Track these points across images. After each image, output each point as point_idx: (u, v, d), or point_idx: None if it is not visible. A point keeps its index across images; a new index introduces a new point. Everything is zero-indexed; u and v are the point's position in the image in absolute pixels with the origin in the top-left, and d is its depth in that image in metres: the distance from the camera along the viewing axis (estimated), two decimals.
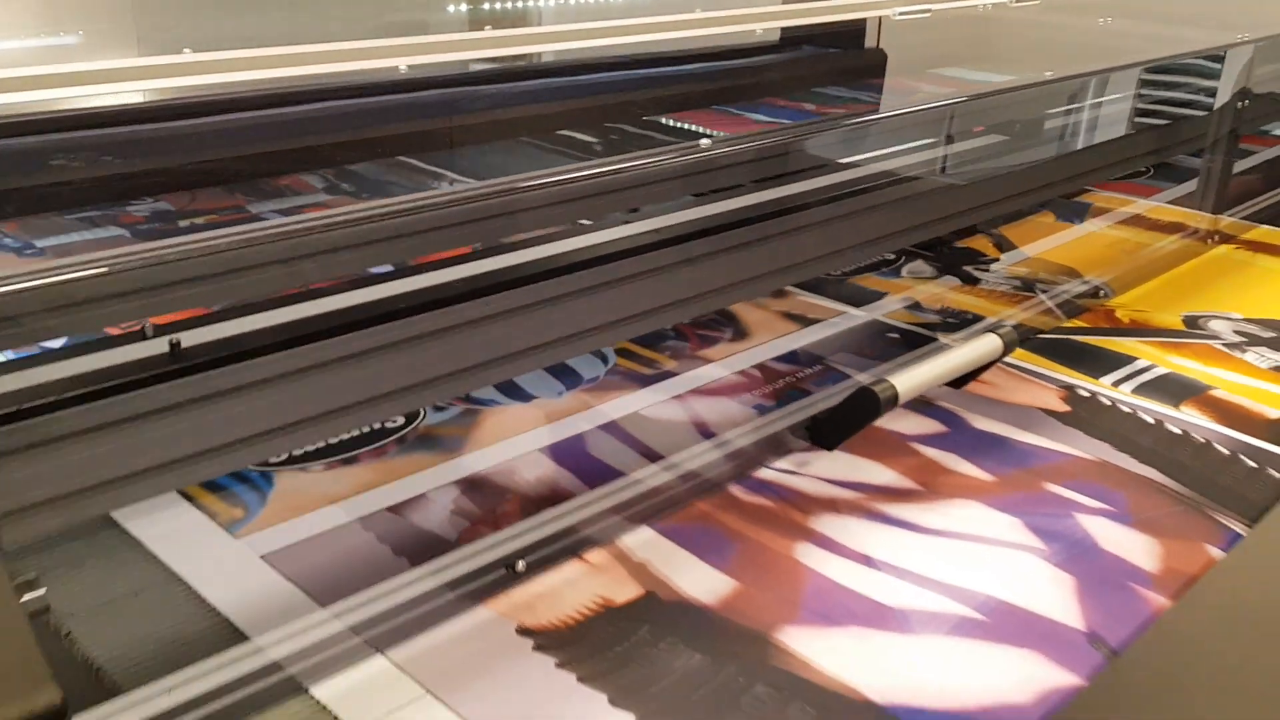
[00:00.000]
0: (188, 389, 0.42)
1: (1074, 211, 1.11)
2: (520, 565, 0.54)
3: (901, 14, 0.79)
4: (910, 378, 0.65)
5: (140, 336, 0.42)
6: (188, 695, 0.45)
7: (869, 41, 1.18)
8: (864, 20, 1.01)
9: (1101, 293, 0.90)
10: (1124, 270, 0.93)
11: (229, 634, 0.49)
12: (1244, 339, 0.88)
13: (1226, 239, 1.03)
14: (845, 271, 0.95)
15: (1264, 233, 1.09)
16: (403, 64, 0.60)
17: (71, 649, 0.47)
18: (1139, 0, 1.13)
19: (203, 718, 0.44)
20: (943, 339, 0.80)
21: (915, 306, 0.89)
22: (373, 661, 0.49)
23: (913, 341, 0.83)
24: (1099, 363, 0.82)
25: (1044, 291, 0.87)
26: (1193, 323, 0.90)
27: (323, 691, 0.47)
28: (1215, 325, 0.90)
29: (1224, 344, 0.86)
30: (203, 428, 0.43)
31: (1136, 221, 1.06)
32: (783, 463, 0.66)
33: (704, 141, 0.62)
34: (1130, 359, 0.83)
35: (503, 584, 0.54)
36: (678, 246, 0.60)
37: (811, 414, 0.68)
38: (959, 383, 0.74)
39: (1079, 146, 0.88)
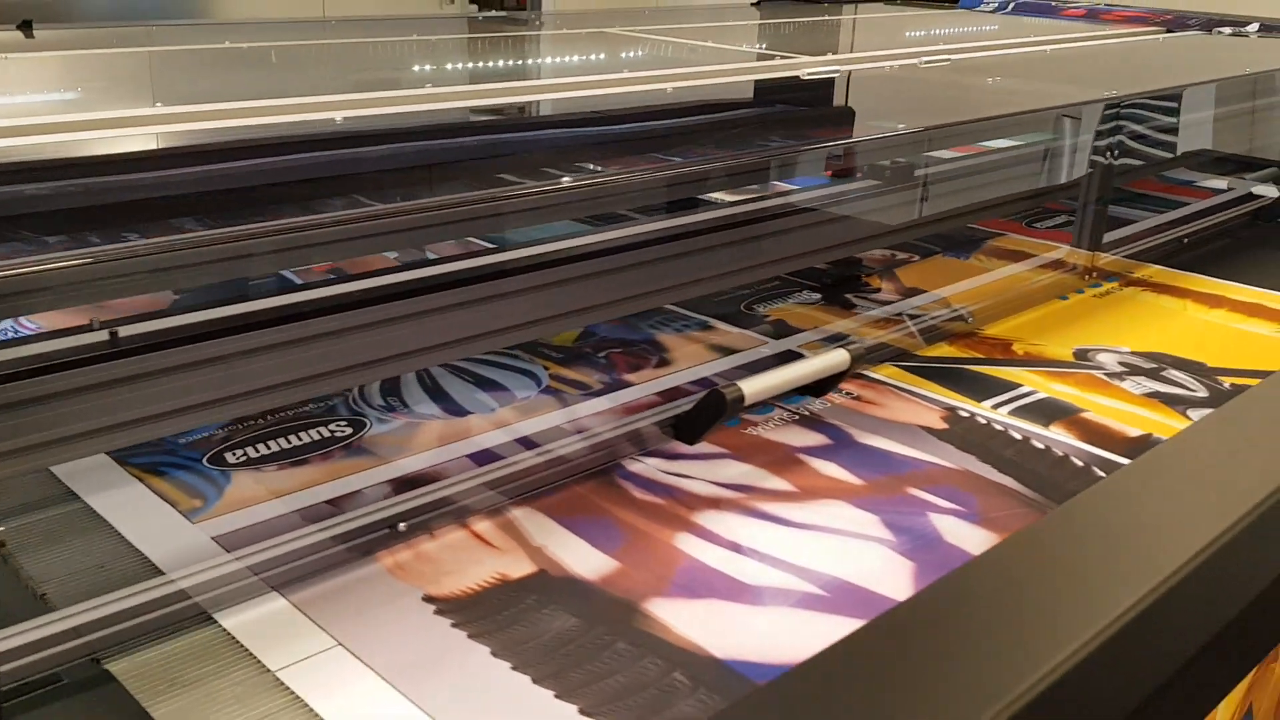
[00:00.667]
0: (118, 369, 0.51)
1: (963, 248, 1.21)
2: (401, 526, 0.64)
3: (810, 73, 0.89)
4: (756, 382, 0.75)
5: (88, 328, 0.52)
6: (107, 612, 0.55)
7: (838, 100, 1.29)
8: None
9: (966, 319, 0.99)
10: (993, 301, 1.03)
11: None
12: (1126, 369, 0.97)
13: (1108, 276, 1.12)
14: (745, 303, 1.05)
15: (1153, 271, 1.18)
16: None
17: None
18: (1044, 67, 1.23)
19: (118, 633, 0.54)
20: (804, 352, 0.89)
21: (832, 338, 0.98)
22: (294, 618, 0.58)
23: None
24: (986, 389, 0.91)
25: (910, 317, 0.97)
26: (1082, 355, 0.99)
27: (230, 621, 0.56)
28: (1102, 358, 0.99)
29: (1106, 374, 0.95)
30: (130, 402, 0.53)
31: (1018, 257, 1.16)
32: (678, 467, 0.76)
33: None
34: (1016, 385, 0.92)
35: (415, 560, 0.63)
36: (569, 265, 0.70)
37: (675, 414, 0.78)
38: (818, 391, 0.83)
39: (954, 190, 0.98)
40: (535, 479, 0.71)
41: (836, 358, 0.81)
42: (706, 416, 0.75)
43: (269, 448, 0.76)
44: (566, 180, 0.68)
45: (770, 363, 0.89)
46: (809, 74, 1.02)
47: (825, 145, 0.80)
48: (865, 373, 0.93)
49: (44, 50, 1.17)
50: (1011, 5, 1.98)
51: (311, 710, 0.52)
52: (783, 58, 1.17)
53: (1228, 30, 1.71)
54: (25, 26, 1.15)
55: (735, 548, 0.67)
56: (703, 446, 0.79)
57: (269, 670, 0.54)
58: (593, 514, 0.70)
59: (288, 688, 0.53)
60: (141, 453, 0.74)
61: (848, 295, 1.08)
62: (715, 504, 0.72)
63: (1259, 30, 1.70)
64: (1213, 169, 1.42)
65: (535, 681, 0.54)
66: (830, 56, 1.23)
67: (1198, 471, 0.69)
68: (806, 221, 0.84)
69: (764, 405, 0.86)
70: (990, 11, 1.96)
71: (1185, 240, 1.24)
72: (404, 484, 0.71)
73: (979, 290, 1.05)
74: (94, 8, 2.32)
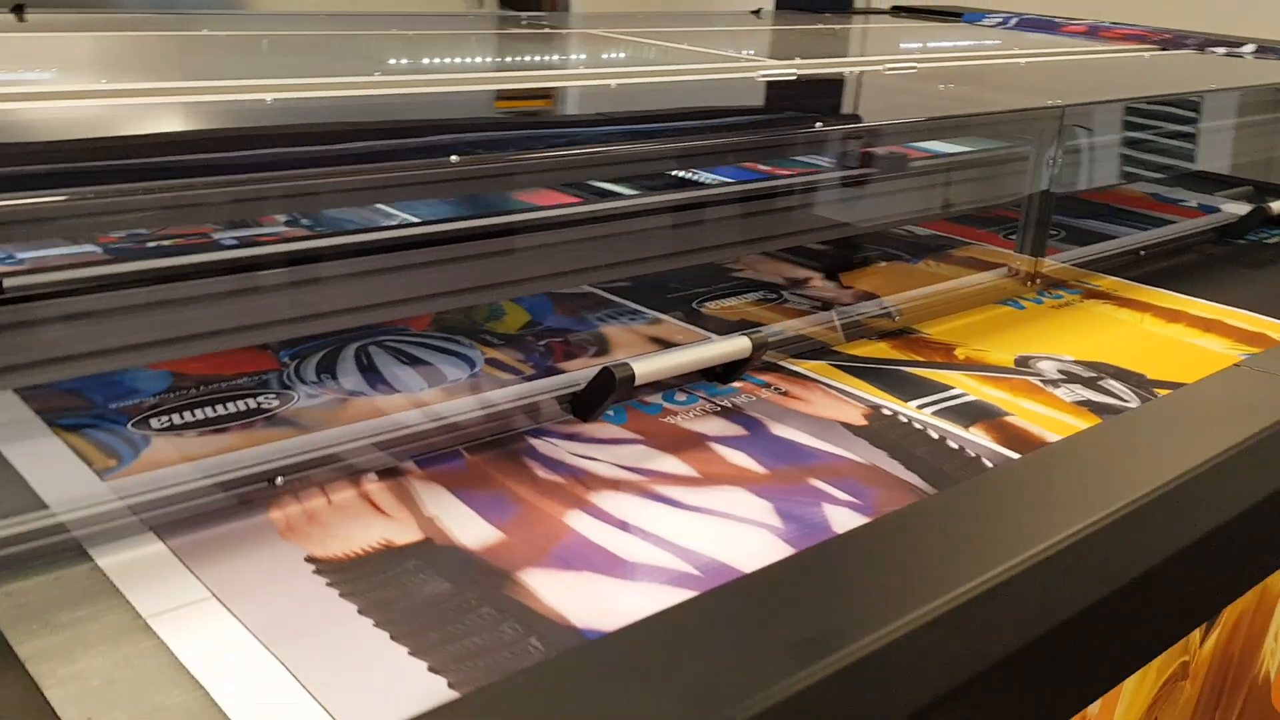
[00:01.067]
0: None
1: (911, 251, 1.22)
2: (279, 480, 0.66)
3: (767, 74, 0.90)
4: (649, 363, 0.77)
5: None
6: None
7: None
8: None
9: (893, 317, 1.00)
10: (925, 300, 1.04)
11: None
12: (1064, 377, 0.97)
13: (1055, 284, 1.13)
14: (698, 300, 1.07)
15: (1115, 284, 1.18)
16: None
17: None
18: (998, 76, 1.23)
19: None
20: (711, 337, 0.91)
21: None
22: (176, 570, 0.60)
23: None
24: (917, 389, 0.92)
25: (836, 312, 0.98)
26: (1023, 362, 1.00)
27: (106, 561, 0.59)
28: (1043, 365, 1.00)
29: (1042, 380, 0.96)
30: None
31: (961, 261, 1.17)
32: (588, 450, 0.77)
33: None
34: (948, 388, 0.93)
35: (306, 522, 0.65)
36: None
37: (573, 391, 0.80)
38: (725, 378, 0.84)
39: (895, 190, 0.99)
40: (423, 444, 0.73)
41: (737, 344, 0.82)
42: (599, 394, 0.77)
43: (194, 415, 0.78)
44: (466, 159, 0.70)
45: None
46: (761, 75, 1.03)
47: (731, 138, 0.82)
48: (798, 370, 0.94)
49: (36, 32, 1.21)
50: (1015, 21, 1.98)
51: (174, 656, 0.54)
52: (746, 61, 1.19)
53: (1221, 50, 1.70)
54: (17, 10, 1.19)
55: (623, 526, 0.68)
56: (617, 432, 0.81)
57: (140, 616, 0.57)
58: (491, 489, 0.72)
59: (155, 633, 0.55)
60: (70, 413, 0.76)
61: (795, 294, 1.09)
62: (614, 485, 0.73)
63: (1255, 51, 1.69)
64: (1182, 185, 1.42)
65: (393, 639, 0.56)
66: (794, 60, 1.25)
67: (1077, 470, 0.70)
68: (723, 215, 0.86)
69: (689, 396, 0.87)
70: (991, 26, 1.96)
71: (1141, 253, 1.24)
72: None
73: (913, 291, 1.06)
74: None
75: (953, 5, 2.15)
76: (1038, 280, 1.09)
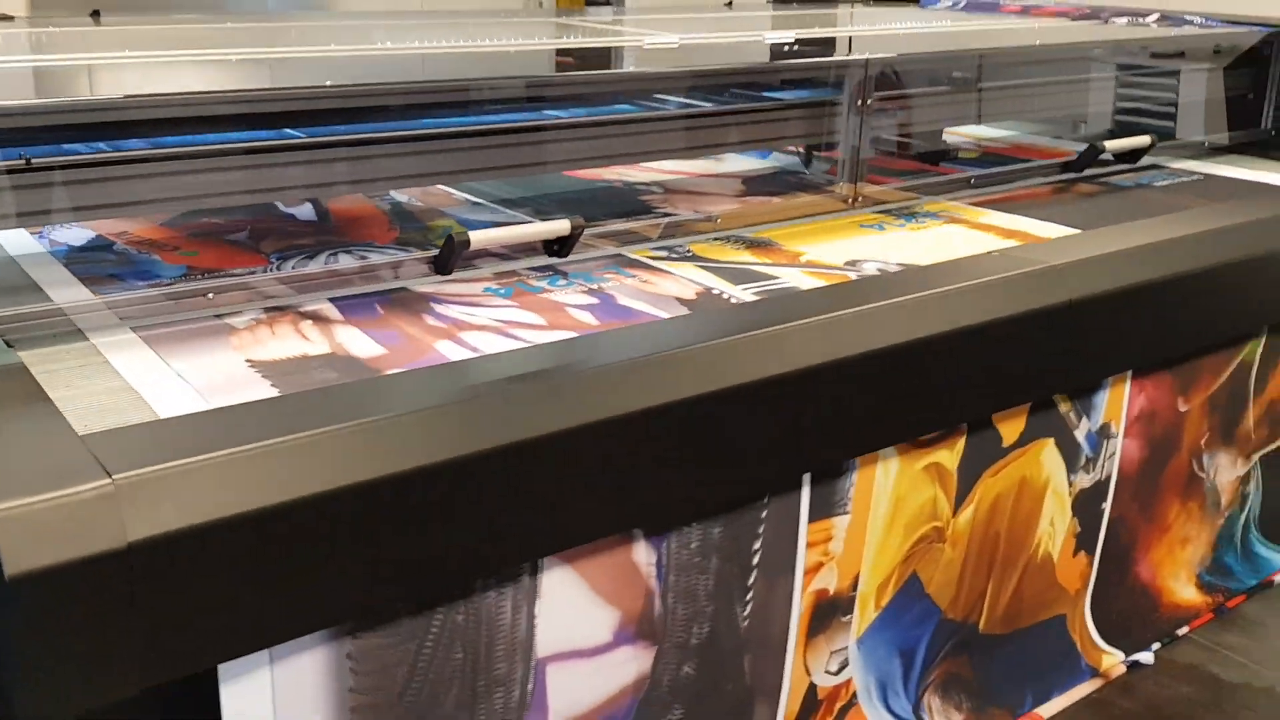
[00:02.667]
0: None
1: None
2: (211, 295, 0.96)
3: (650, 44, 1.17)
4: (484, 234, 1.04)
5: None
6: None
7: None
8: None
9: (714, 220, 1.27)
10: (745, 209, 1.29)
11: None
12: (872, 272, 1.22)
13: (877, 204, 1.38)
14: None
15: (968, 211, 1.42)
16: None
17: None
18: (870, 44, 1.47)
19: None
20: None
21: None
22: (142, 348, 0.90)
23: None
24: (751, 279, 1.18)
25: (663, 214, 1.24)
26: (852, 264, 1.25)
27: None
28: (866, 265, 1.24)
29: (855, 273, 1.21)
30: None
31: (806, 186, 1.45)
32: (474, 312, 1.05)
33: None
34: (777, 279, 1.19)
35: (255, 341, 0.94)
36: None
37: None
38: (561, 253, 1.12)
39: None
40: (335, 286, 1.03)
41: (557, 226, 1.10)
42: (446, 253, 1.05)
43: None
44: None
45: None
46: (649, 44, 1.31)
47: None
48: (665, 267, 1.20)
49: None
50: (963, 4, 2.21)
51: (141, 396, 0.83)
52: (652, 38, 1.48)
53: (1123, 21, 1.91)
54: (95, 15, 1.52)
55: (474, 349, 0.96)
56: (501, 302, 1.08)
57: (100, 354, 0.86)
58: (389, 328, 1.00)
59: (111, 364, 0.85)
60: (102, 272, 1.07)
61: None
62: (481, 328, 1.01)
63: (1158, 19, 1.90)
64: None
65: (272, 385, 0.85)
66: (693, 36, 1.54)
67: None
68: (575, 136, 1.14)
69: (567, 280, 1.15)
70: (943, 10, 2.19)
71: (972, 181, 1.48)
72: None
73: (743, 202, 1.33)
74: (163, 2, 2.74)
75: None
76: (858, 199, 1.34)
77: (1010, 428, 1.24)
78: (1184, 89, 1.84)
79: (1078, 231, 1.33)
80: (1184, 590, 1.54)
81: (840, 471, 1.09)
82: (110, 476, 0.66)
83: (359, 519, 0.73)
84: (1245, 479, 1.61)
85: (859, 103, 1.26)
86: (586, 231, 1.21)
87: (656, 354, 0.90)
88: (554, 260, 1.20)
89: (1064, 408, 1.28)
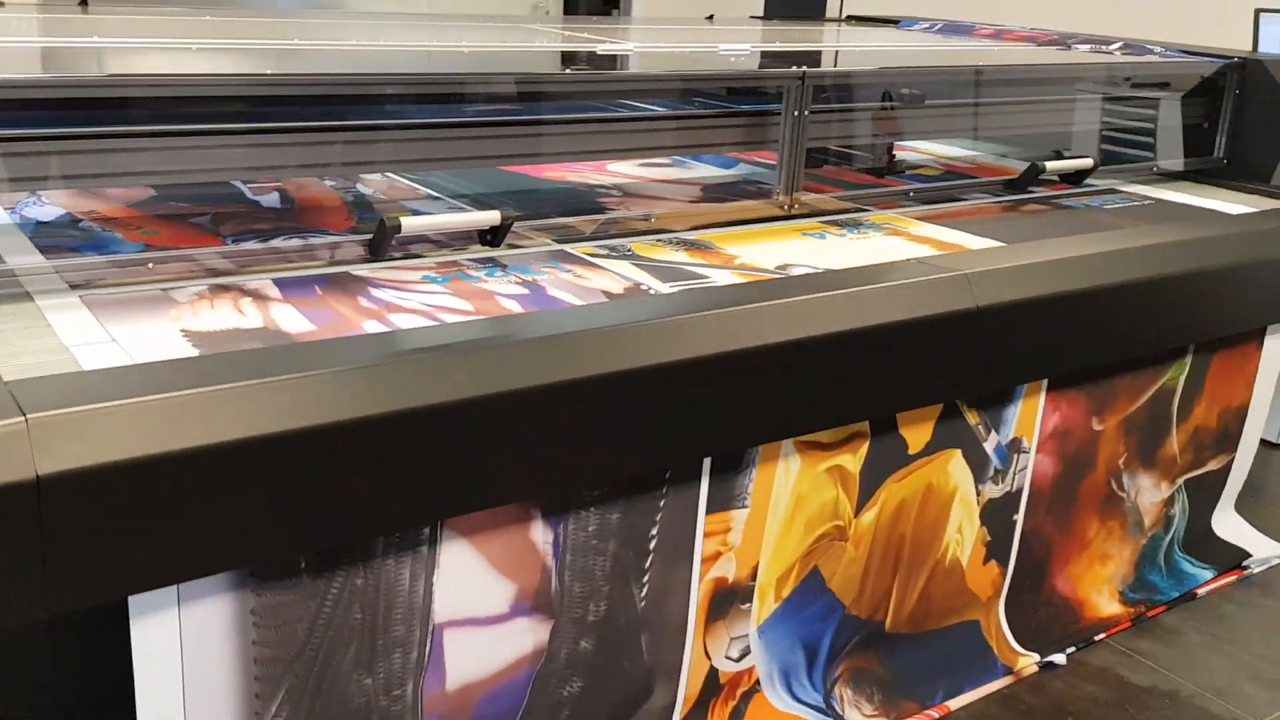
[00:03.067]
0: None
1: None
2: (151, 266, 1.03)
3: (603, 50, 1.23)
4: (414, 221, 1.11)
5: None
6: None
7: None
8: None
9: (649, 219, 1.34)
10: (681, 210, 1.36)
11: None
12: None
13: (816, 214, 1.43)
14: None
15: (909, 224, 1.48)
16: None
17: None
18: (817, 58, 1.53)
19: None
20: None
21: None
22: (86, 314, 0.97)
23: None
24: (681, 277, 1.24)
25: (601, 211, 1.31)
26: (782, 268, 1.31)
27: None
28: (794, 270, 1.31)
29: (780, 277, 1.27)
30: None
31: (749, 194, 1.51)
32: (408, 296, 1.12)
33: None
34: (705, 278, 1.25)
35: (196, 316, 1.01)
36: None
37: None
38: (494, 243, 1.18)
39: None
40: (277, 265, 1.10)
41: (490, 215, 1.16)
42: (379, 238, 1.11)
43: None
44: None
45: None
46: (601, 50, 1.37)
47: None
48: (599, 263, 1.27)
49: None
50: (939, 26, 2.27)
51: (75, 358, 0.89)
52: (608, 45, 1.55)
53: (1086, 47, 1.97)
54: (83, 4, 1.60)
55: (395, 327, 1.03)
56: (436, 289, 1.15)
57: (44, 317, 0.93)
58: (324, 308, 1.07)
59: (51, 326, 0.92)
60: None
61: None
62: (411, 311, 1.08)
63: (1121, 47, 1.96)
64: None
65: (200, 351, 0.91)
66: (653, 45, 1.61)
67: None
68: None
69: (505, 272, 1.21)
70: (919, 31, 2.26)
71: (910, 194, 1.54)
72: None
73: (683, 204, 1.40)
74: None
75: (897, 15, 2.45)
76: (794, 206, 1.40)
77: (917, 436, 1.30)
78: (1141, 116, 1.90)
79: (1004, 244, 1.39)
80: (1105, 604, 1.59)
81: (740, 467, 1.15)
82: (24, 415, 0.73)
83: (262, 470, 0.80)
84: (1170, 501, 1.66)
85: (795, 114, 1.33)
86: (528, 224, 1.28)
87: (559, 335, 0.96)
88: (497, 253, 1.27)
89: (973, 420, 1.34)
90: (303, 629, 0.92)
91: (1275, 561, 1.77)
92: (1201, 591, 1.67)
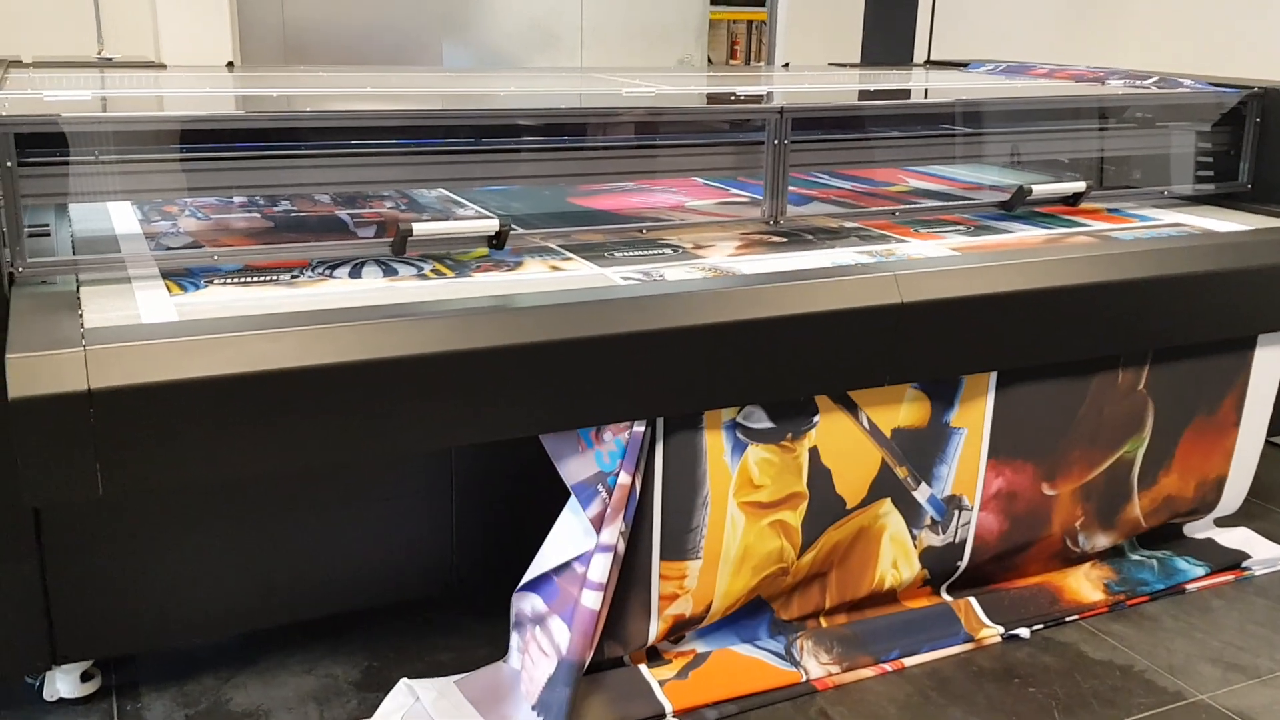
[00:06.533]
0: None
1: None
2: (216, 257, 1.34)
3: (627, 91, 1.51)
4: (428, 226, 1.38)
5: None
6: None
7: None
8: None
9: (643, 230, 1.58)
10: (671, 226, 1.61)
11: None
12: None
13: (800, 227, 1.65)
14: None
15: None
16: None
17: None
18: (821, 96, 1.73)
19: None
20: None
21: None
22: None
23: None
24: (640, 273, 1.48)
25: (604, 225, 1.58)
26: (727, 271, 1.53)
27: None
28: (742, 268, 1.52)
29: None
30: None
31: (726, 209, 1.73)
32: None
33: None
34: (662, 275, 1.48)
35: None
36: None
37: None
38: (498, 246, 1.44)
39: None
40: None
41: (488, 224, 1.43)
42: (399, 242, 1.40)
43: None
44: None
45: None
46: (627, 92, 1.67)
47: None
48: (579, 259, 1.51)
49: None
50: (1002, 68, 2.43)
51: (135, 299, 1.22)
52: (631, 87, 1.82)
53: (1118, 82, 2.09)
54: (229, 66, 1.99)
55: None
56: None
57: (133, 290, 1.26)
58: (271, 286, 1.37)
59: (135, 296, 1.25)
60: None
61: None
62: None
63: (1156, 82, 2.07)
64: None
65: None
66: (685, 88, 1.86)
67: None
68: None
69: (506, 263, 1.48)
70: (982, 73, 2.42)
71: (895, 214, 1.73)
72: None
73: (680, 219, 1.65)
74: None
75: (969, 59, 2.62)
76: (778, 221, 1.62)
77: (854, 492, 1.51)
78: (1166, 144, 2.01)
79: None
80: (1087, 591, 1.71)
81: (689, 528, 1.40)
82: (84, 345, 1.05)
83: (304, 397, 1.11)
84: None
85: (775, 143, 1.56)
86: (542, 231, 1.55)
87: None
88: (498, 255, 1.53)
89: (901, 473, 1.54)
90: None
91: (1279, 566, 1.83)
92: (1191, 587, 1.76)
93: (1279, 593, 1.76)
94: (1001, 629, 1.61)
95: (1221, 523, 1.91)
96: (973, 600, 1.65)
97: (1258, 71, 2.22)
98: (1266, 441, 1.85)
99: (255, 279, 1.36)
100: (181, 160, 1.37)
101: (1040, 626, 1.64)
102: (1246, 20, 2.88)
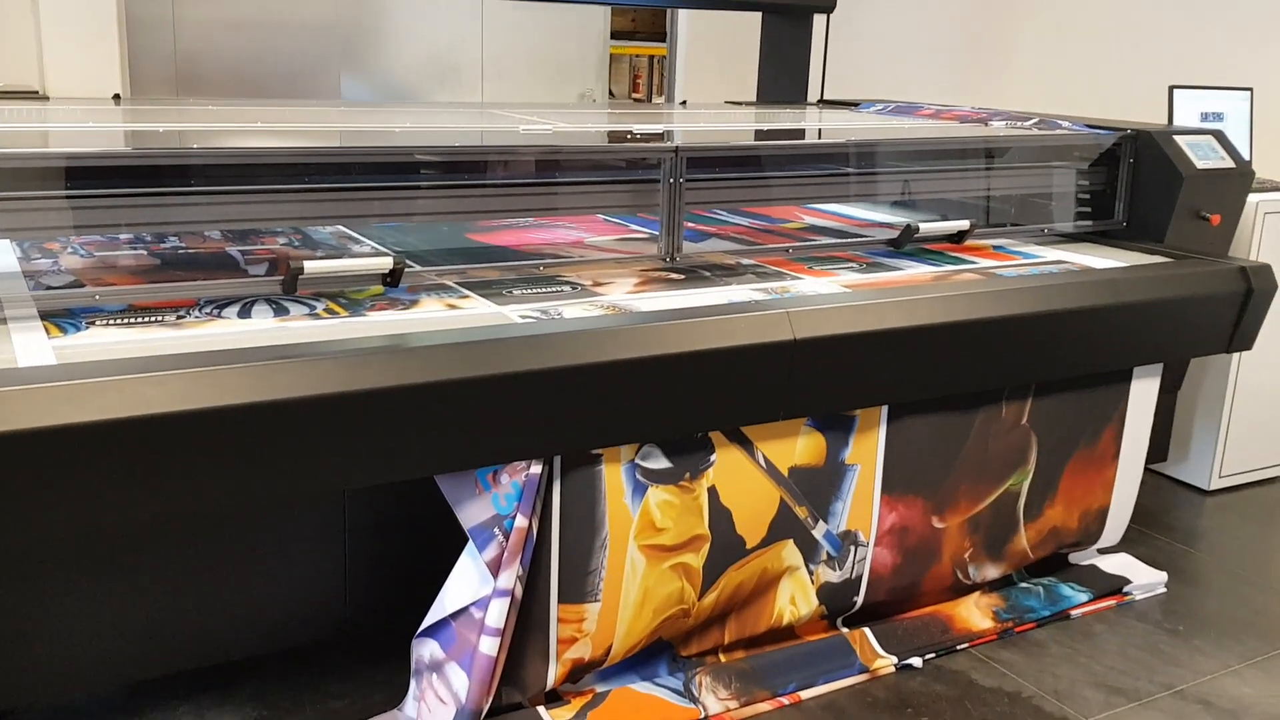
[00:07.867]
0: None
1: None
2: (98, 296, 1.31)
3: (524, 129, 1.50)
4: (319, 264, 1.37)
5: None
6: None
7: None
8: None
9: (540, 267, 1.58)
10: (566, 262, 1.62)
11: None
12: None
13: (696, 264, 1.67)
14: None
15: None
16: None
17: None
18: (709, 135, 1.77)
19: None
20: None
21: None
22: None
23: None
24: (537, 310, 1.48)
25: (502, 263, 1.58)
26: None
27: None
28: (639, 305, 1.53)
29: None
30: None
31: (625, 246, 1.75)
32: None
33: None
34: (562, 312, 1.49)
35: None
36: None
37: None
38: (394, 284, 1.43)
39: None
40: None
41: (382, 261, 1.42)
42: (290, 281, 1.38)
43: None
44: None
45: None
46: (524, 129, 1.67)
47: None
48: (476, 297, 1.51)
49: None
50: (891, 108, 2.49)
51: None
52: (529, 124, 1.82)
53: (1000, 123, 2.17)
54: (115, 99, 1.94)
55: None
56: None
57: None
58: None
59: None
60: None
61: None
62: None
63: (1036, 123, 2.15)
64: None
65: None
66: (577, 125, 1.87)
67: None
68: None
69: (399, 301, 1.47)
70: (871, 113, 2.48)
71: (789, 251, 1.76)
72: None
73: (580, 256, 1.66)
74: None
75: (861, 98, 2.68)
76: (674, 258, 1.64)
77: (753, 534, 1.53)
78: (1054, 183, 2.09)
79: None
80: (976, 619, 1.75)
81: (588, 570, 1.39)
82: None
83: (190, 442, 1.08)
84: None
85: (670, 181, 1.58)
86: (439, 268, 1.54)
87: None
88: (394, 293, 1.52)
89: (801, 513, 1.56)
90: None
91: (1159, 590, 1.90)
92: (1076, 613, 1.81)
93: (1158, 617, 1.82)
94: (895, 659, 1.64)
95: (1103, 549, 1.97)
96: (867, 631, 1.68)
97: (1131, 114, 2.32)
98: (1145, 469, 1.92)
99: (139, 319, 1.33)
100: (64, 198, 1.33)
101: (933, 655, 1.67)
102: (1124, 64, 3.01)
